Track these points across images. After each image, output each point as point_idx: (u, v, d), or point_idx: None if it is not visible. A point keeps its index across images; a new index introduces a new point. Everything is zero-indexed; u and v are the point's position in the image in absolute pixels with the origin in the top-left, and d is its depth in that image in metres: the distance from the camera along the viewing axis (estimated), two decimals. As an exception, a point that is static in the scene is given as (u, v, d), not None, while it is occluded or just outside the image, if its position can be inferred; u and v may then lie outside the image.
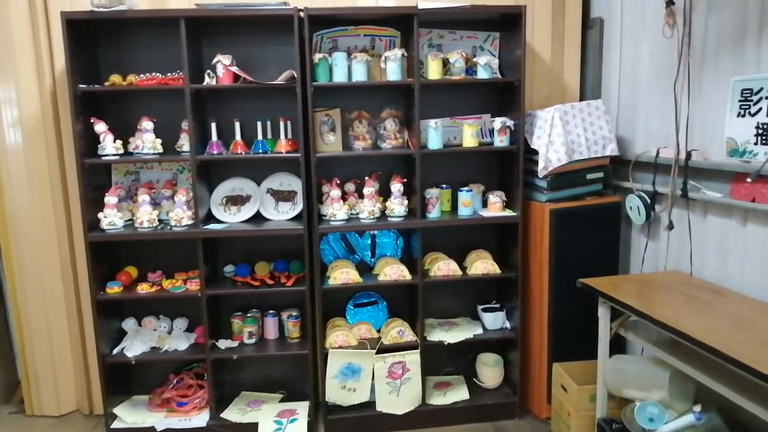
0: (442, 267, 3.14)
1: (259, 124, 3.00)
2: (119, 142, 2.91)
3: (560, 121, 2.94)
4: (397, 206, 3.02)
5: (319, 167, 3.10)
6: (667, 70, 2.80)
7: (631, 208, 2.99)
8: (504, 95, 3.18)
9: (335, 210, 2.98)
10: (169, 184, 3.10)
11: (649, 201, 2.90)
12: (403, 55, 2.92)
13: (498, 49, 3.23)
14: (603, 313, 2.65)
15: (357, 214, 3.08)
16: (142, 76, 2.90)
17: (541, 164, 2.95)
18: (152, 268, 3.18)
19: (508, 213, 3.12)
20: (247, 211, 3.10)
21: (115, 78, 2.90)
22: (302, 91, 2.83)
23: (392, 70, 2.91)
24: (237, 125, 2.98)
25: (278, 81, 2.83)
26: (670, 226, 2.77)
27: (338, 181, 3.04)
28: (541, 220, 3.04)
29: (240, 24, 2.99)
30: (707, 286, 2.56)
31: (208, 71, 2.86)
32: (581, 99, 3.40)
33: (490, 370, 3.33)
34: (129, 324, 3.21)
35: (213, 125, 2.95)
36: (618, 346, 2.90)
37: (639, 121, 3.07)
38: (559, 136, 2.93)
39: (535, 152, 3.01)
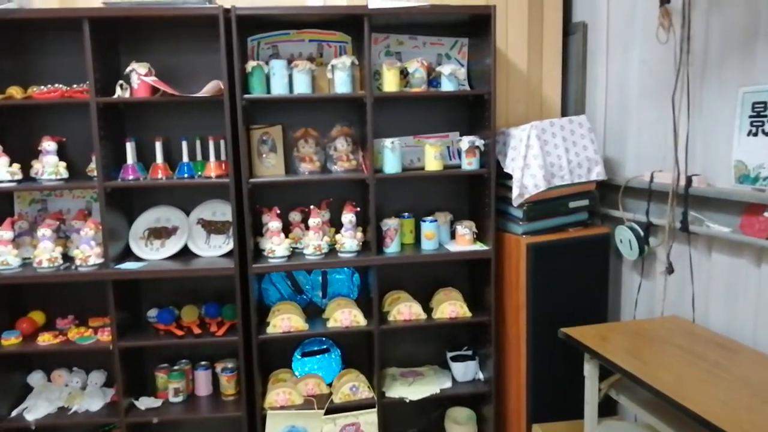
0: (403, 310, 2.68)
1: (184, 143, 2.55)
2: (16, 166, 2.45)
3: (537, 140, 2.51)
4: (348, 240, 2.57)
5: (258, 194, 2.68)
6: (662, 81, 2.39)
7: (621, 241, 2.56)
8: (474, 110, 2.75)
9: (274, 245, 2.53)
10: (81, 215, 2.63)
11: (642, 234, 2.47)
12: (353, 63, 2.49)
13: (466, 57, 2.80)
14: (590, 371, 2.20)
15: (302, 249, 2.62)
16: (43, 88, 2.44)
17: (515, 191, 2.52)
18: (63, 313, 2.70)
19: (479, 247, 2.68)
20: (172, 246, 2.64)
21: (14, 90, 2.44)
22: (231, 105, 2.38)
23: (340, 80, 2.48)
24: (158, 145, 2.53)
25: (202, 93, 2.39)
26: (670, 270, 2.33)
27: (278, 211, 2.58)
28: (516, 256, 2.60)
29: (161, 27, 2.54)
30: (714, 339, 2.13)
31: (121, 82, 2.41)
32: (563, 115, 2.99)
33: (461, 429, 2.85)
34: (35, 378, 2.72)
35: (129, 146, 2.50)
36: (608, 405, 2.46)
37: (629, 141, 2.64)
38: (537, 158, 2.50)
39: (510, 177, 2.58)
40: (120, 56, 2.57)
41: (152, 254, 2.61)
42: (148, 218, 2.68)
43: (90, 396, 2.67)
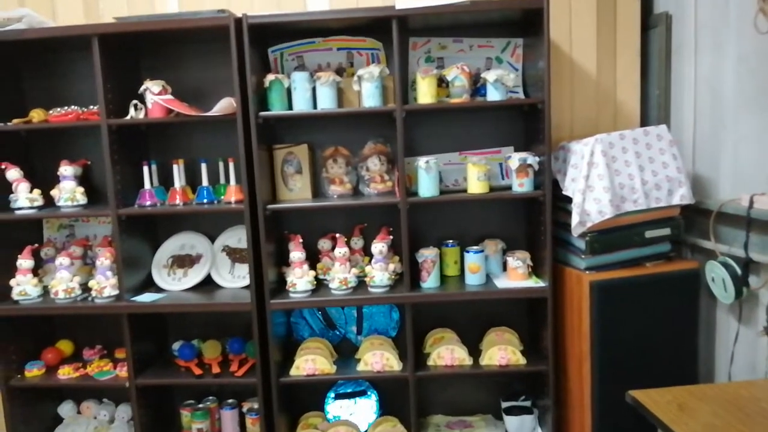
0: (444, 354, 2.33)
1: (204, 166, 2.35)
2: (37, 192, 2.37)
3: (603, 157, 2.08)
4: (379, 273, 2.26)
5: (284, 219, 2.45)
6: (764, 81, 1.89)
7: (713, 279, 2.07)
8: (530, 122, 2.36)
9: (296, 278, 2.27)
10: (106, 242, 2.51)
11: (739, 272, 1.97)
12: (382, 72, 2.19)
13: (521, 60, 2.42)
14: (665, 447, 1.75)
15: (329, 281, 2.34)
16: (59, 110, 2.33)
17: (575, 218, 2.10)
18: (90, 342, 2.60)
19: (533, 283, 2.28)
20: (194, 276, 2.45)
21: (35, 114, 2.36)
22: (244, 123, 2.15)
23: (368, 92, 2.19)
24: (176, 168, 2.36)
25: (213, 112, 2.17)
26: (769, 330, 1.82)
27: (301, 240, 2.33)
28: (578, 295, 2.17)
29: (178, 42, 2.37)
30: (837, 417, 1.61)
31: (135, 102, 2.26)
32: (642, 125, 2.52)
33: (515, 493, 2.45)
34: (65, 409, 2.64)
35: (146, 169, 2.34)
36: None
37: (724, 156, 2.14)
38: (602, 178, 2.07)
39: (570, 200, 2.16)
40: (141, 74, 2.42)
41: (174, 285, 2.44)
42: (173, 245, 2.52)
43: (115, 431, 2.54)
